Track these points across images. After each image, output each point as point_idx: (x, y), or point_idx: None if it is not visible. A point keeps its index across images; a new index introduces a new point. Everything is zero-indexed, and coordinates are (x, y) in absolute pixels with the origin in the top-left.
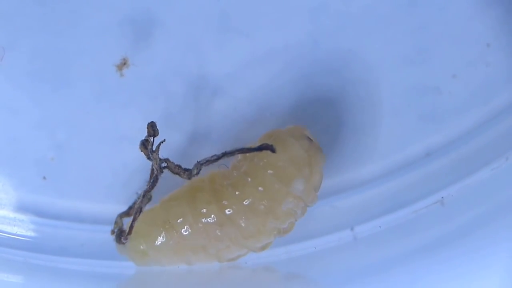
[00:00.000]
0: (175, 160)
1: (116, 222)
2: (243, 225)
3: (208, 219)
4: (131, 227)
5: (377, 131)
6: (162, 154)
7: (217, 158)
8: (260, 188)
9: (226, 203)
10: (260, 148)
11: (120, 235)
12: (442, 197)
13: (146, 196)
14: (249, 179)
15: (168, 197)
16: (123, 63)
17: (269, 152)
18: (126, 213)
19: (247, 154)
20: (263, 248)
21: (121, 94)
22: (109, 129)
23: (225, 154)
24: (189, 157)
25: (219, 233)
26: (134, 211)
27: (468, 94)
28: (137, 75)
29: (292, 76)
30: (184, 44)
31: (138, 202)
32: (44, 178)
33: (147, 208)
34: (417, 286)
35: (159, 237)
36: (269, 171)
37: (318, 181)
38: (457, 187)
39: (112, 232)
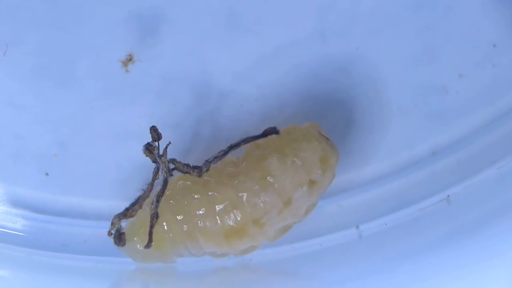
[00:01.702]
0: (182, 157)
1: (112, 223)
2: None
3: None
4: (151, 233)
5: (384, 130)
6: (168, 150)
7: (224, 153)
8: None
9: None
10: (265, 134)
11: (119, 237)
12: (448, 196)
13: (159, 201)
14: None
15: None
16: (129, 59)
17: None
18: (123, 215)
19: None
20: (245, 251)
21: (126, 90)
22: (114, 125)
23: (231, 148)
24: (196, 154)
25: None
26: (150, 217)
27: (474, 94)
28: (143, 71)
29: (300, 74)
30: (191, 41)
31: (153, 208)
32: (47, 174)
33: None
34: (423, 284)
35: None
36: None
37: (329, 183)
38: (463, 186)
39: (109, 233)
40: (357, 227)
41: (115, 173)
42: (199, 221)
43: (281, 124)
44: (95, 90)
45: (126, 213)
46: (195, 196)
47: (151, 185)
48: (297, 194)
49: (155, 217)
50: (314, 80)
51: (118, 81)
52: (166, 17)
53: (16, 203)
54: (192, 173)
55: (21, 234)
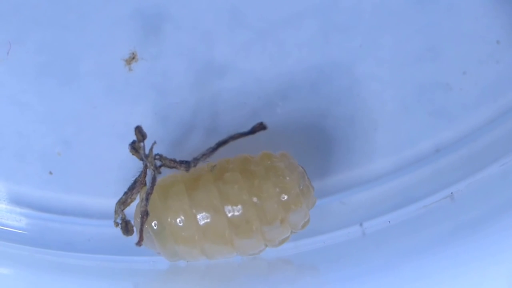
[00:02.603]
0: (185, 154)
1: (116, 212)
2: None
3: (178, 219)
4: (141, 231)
5: (387, 127)
6: (172, 149)
7: (213, 149)
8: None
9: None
10: (253, 130)
11: (126, 226)
12: (452, 193)
13: (149, 198)
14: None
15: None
16: (132, 58)
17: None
18: (124, 201)
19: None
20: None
21: (130, 88)
22: (117, 124)
23: (219, 145)
24: (199, 151)
25: (184, 234)
26: (140, 215)
27: (478, 91)
28: (146, 70)
29: (303, 71)
30: (194, 39)
31: (143, 205)
32: (51, 173)
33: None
34: (426, 282)
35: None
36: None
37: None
38: (466, 183)
39: (116, 224)
40: (361, 224)
41: (118, 171)
42: (207, 222)
43: (284, 122)
44: (98, 88)
45: (126, 199)
46: (207, 200)
47: (144, 172)
48: (296, 208)
49: (145, 214)
50: (316, 77)
51: (121, 79)
52: (169, 15)
53: (20, 201)
54: (179, 167)
55: (25, 232)
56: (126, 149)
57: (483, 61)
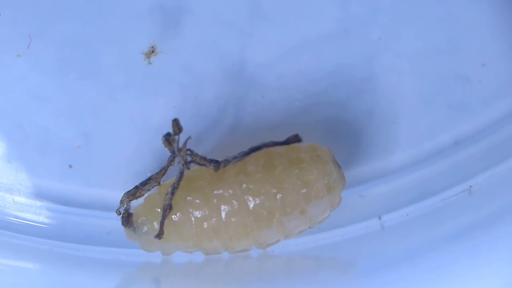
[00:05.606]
0: (204, 148)
1: (121, 201)
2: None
3: (197, 211)
4: (162, 224)
5: (406, 120)
6: (190, 142)
7: (245, 154)
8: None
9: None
10: (288, 142)
11: (127, 218)
12: (470, 186)
13: (175, 192)
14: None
15: (168, 182)
16: (151, 51)
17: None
18: (132, 194)
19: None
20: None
21: (149, 82)
22: (137, 117)
23: (252, 150)
24: (217, 145)
25: (205, 225)
26: (163, 208)
27: (497, 83)
28: (166, 63)
29: (322, 64)
30: (213, 32)
31: (167, 199)
32: (70, 166)
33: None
34: (444, 275)
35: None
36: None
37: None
38: (485, 176)
39: (118, 212)
40: (380, 217)
41: (138, 165)
42: (228, 217)
43: (302, 114)
44: (118, 82)
45: (136, 193)
46: (230, 192)
47: (165, 170)
48: (317, 201)
49: (168, 208)
50: (335, 70)
51: (141, 73)
52: (188, 8)
53: (40, 195)
54: (208, 166)
55: (45, 226)
56: (145, 143)
57: (502, 53)
